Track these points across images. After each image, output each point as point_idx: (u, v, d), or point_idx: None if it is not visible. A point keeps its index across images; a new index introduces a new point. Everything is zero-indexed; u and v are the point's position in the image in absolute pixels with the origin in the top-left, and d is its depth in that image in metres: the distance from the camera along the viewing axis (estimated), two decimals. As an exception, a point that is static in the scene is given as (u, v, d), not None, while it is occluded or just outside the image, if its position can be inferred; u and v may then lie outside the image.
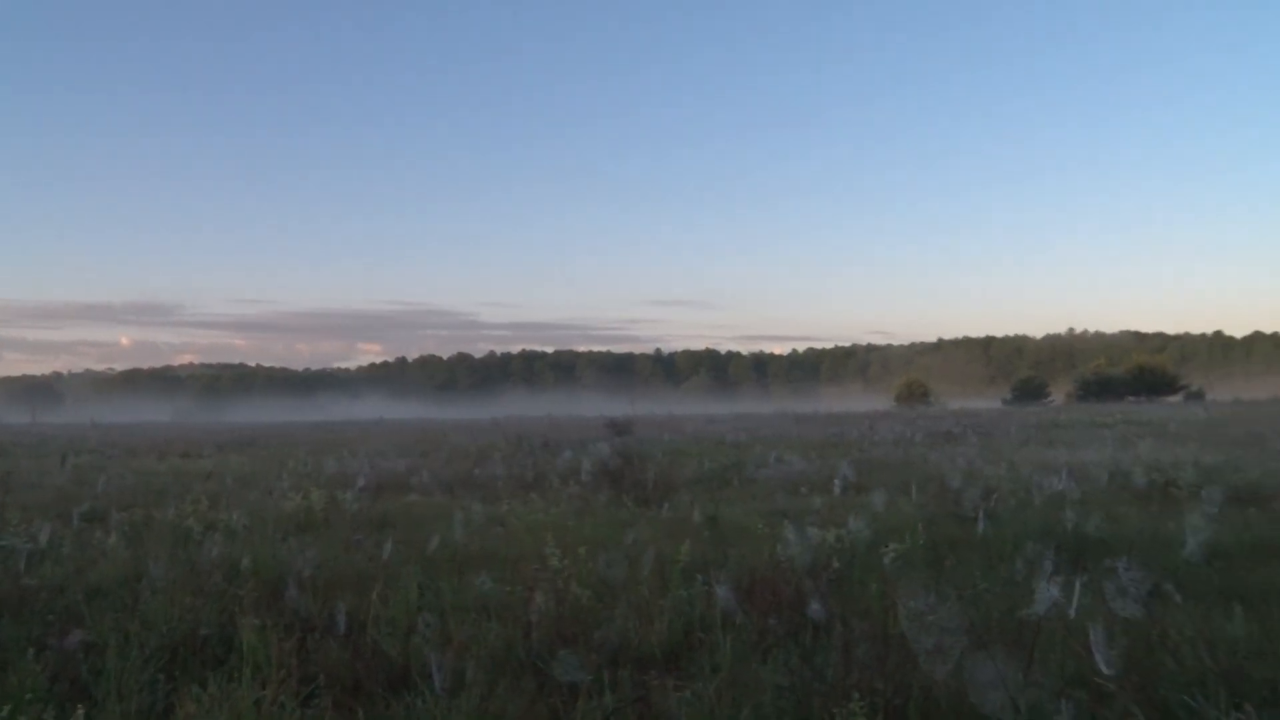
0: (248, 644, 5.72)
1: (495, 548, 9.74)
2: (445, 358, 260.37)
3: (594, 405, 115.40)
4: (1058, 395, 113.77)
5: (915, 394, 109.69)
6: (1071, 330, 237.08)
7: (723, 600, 6.25)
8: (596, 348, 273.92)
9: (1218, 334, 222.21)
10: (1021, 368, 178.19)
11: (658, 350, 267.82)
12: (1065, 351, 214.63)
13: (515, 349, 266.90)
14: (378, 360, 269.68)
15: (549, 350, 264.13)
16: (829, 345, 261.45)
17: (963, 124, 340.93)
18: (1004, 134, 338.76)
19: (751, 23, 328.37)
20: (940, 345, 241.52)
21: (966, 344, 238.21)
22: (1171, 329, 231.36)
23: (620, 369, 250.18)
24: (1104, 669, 4.42)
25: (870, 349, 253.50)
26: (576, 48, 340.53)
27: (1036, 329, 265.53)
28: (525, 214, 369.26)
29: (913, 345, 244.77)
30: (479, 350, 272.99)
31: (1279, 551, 8.55)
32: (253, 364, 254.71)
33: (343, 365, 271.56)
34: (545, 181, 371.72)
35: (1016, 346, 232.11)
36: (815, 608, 5.99)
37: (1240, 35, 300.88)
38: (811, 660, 5.34)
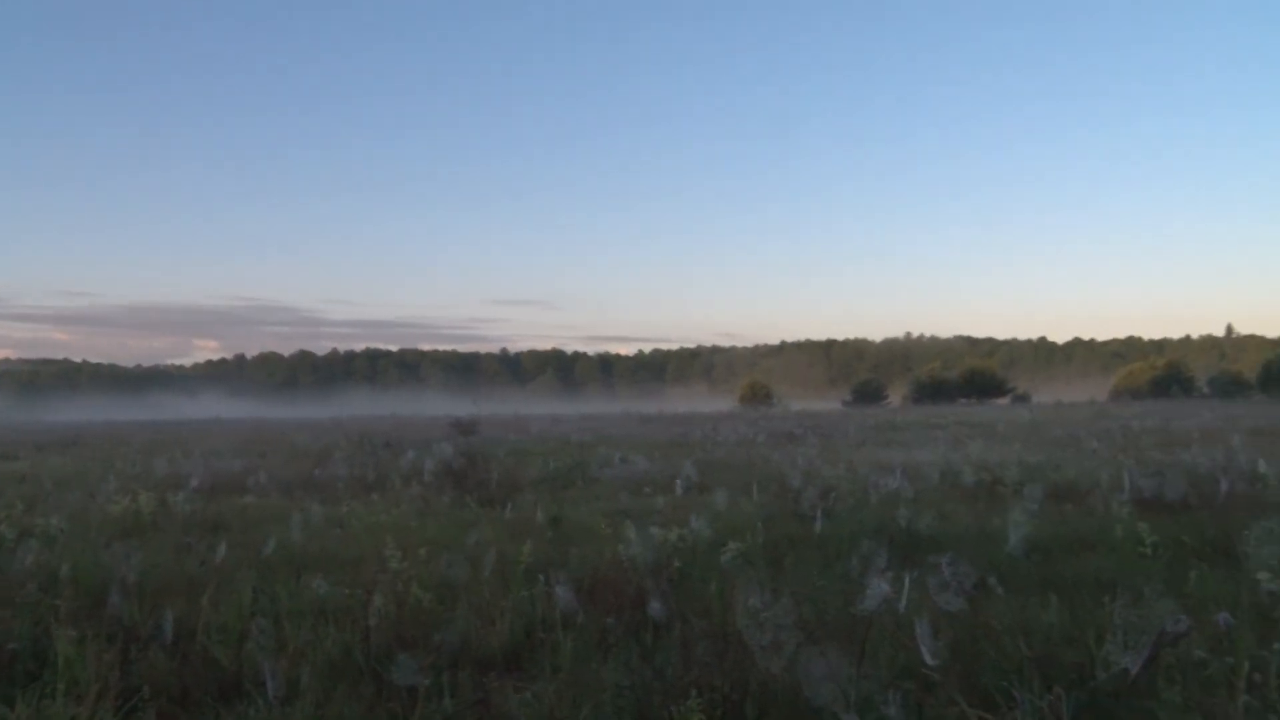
0: (63, 657, 5.40)
1: (335, 550, 9.53)
2: (286, 355, 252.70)
3: (439, 405, 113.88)
4: (895, 397, 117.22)
5: (758, 395, 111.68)
6: (909, 335, 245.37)
7: (564, 600, 6.25)
8: (442, 347, 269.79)
9: (1042, 340, 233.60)
10: (861, 370, 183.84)
11: (504, 350, 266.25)
12: (902, 355, 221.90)
13: (359, 347, 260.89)
14: (215, 358, 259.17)
15: (394, 349, 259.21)
16: (675, 347, 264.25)
17: (805, 128, 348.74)
18: (846, 140, 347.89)
19: (595, 21, 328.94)
20: (783, 348, 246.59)
21: (809, 347, 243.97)
22: (1000, 335, 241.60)
23: (466, 368, 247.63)
24: (929, 660, 4.60)
25: (715, 350, 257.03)
26: (424, 46, 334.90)
27: (876, 333, 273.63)
28: (370, 210, 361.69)
29: (757, 347, 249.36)
30: (321, 348, 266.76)
31: (1091, 544, 9.02)
32: (78, 360, 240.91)
33: (177, 362, 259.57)
34: (391, 178, 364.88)
35: (857, 350, 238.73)
36: (656, 606, 6.04)
37: (1055, 47, 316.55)
38: (652, 659, 5.38)
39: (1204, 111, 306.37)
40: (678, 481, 15.03)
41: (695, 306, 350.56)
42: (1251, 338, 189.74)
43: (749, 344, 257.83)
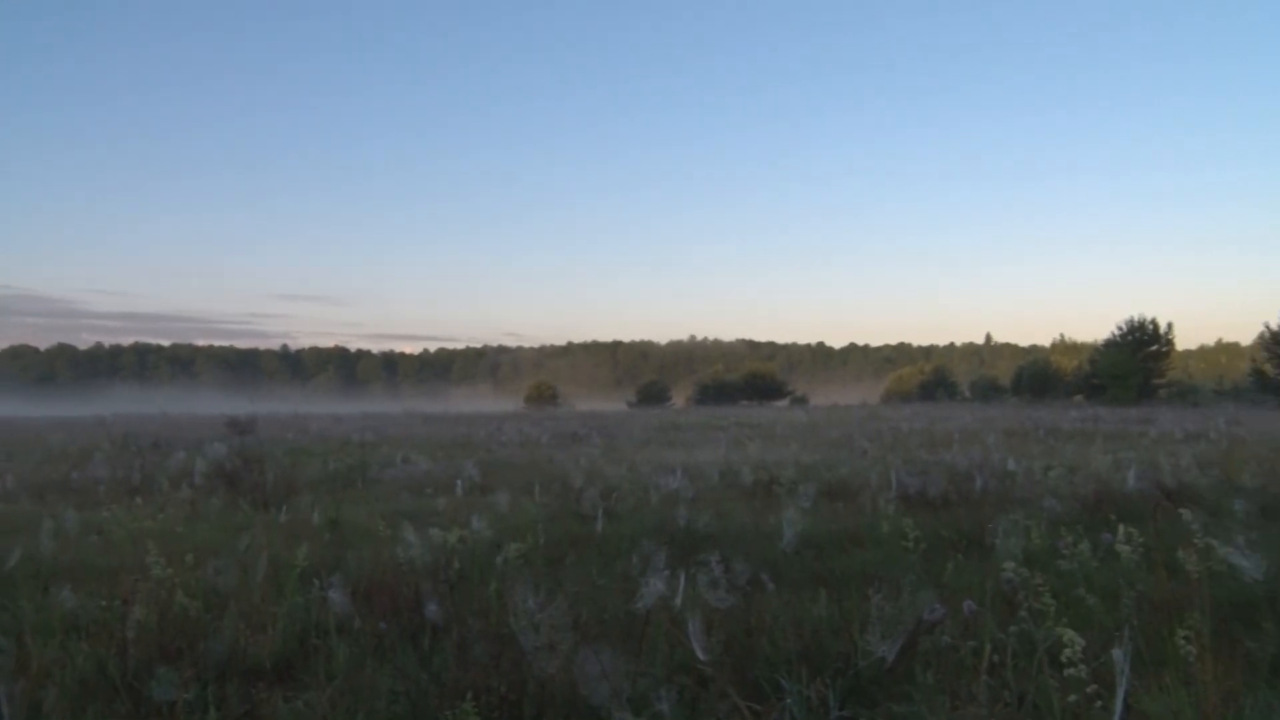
0: None
1: (91, 559, 8.93)
2: (42, 349, 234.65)
3: (214, 404, 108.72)
4: (679, 399, 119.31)
5: (544, 396, 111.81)
6: (693, 337, 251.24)
7: (339, 605, 6.08)
8: (218, 342, 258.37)
9: (820, 344, 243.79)
10: (646, 372, 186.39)
11: (284, 347, 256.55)
12: (686, 357, 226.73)
13: (126, 341, 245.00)
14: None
15: (165, 344, 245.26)
16: (461, 346, 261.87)
17: (592, 130, 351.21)
18: (634, 143, 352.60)
19: (364, 17, 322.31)
20: (570, 349, 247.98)
21: (595, 348, 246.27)
22: (781, 339, 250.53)
23: (244, 365, 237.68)
24: (701, 655, 4.70)
25: (501, 350, 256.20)
26: (206, 35, 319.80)
27: (661, 335, 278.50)
28: (141, 196, 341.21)
29: (543, 348, 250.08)
30: (83, 341, 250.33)
31: (860, 540, 9.42)
32: None
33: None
34: (164, 162, 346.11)
35: (642, 351, 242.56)
36: (433, 609, 5.95)
37: (819, 58, 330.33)
38: (429, 662, 5.30)
39: (968, 127, 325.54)
40: (458, 482, 14.86)
41: (482, 306, 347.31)
42: (1007, 345, 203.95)
43: (535, 344, 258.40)
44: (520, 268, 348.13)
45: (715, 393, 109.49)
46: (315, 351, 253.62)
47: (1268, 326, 72.91)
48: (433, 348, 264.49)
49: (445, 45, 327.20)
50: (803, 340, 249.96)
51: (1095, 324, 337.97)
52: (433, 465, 18.99)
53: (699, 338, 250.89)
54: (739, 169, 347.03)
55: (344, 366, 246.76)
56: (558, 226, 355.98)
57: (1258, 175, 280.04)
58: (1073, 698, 4.16)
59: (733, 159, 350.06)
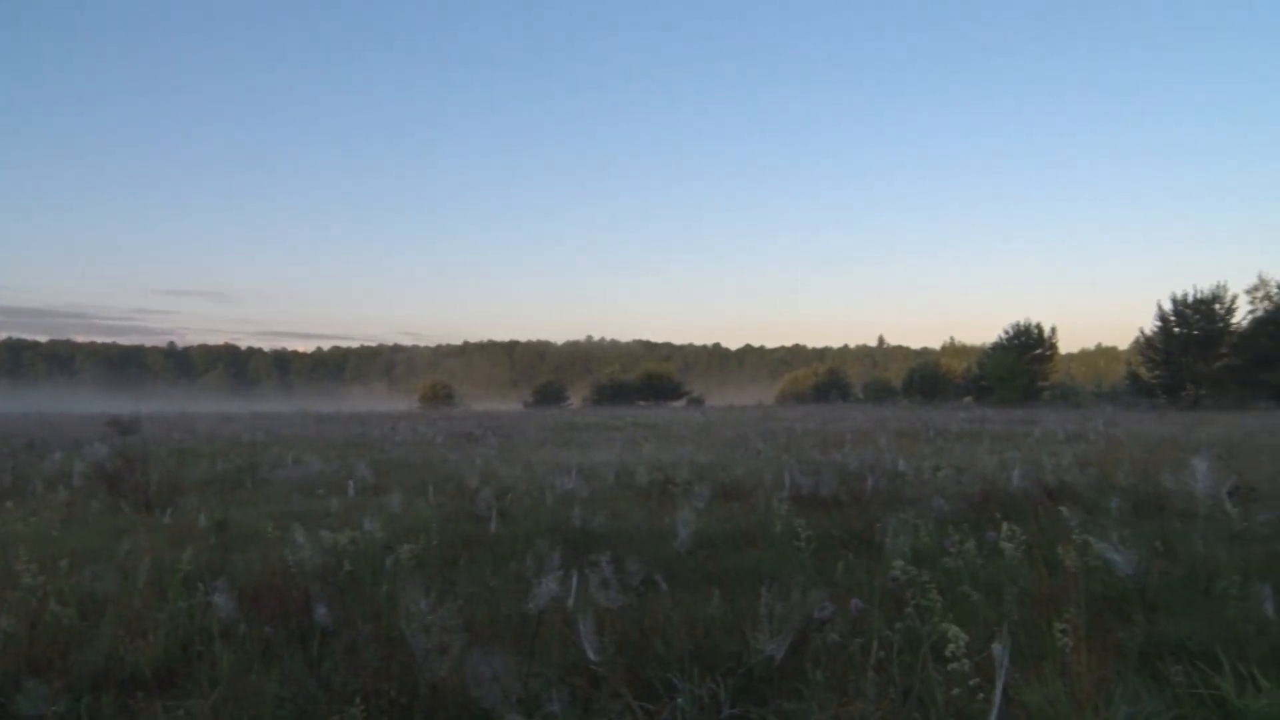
0: None
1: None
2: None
3: (95, 403, 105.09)
4: (575, 399, 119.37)
5: (440, 395, 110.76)
6: (590, 338, 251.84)
7: (224, 609, 5.91)
8: (100, 339, 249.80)
9: (717, 346, 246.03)
10: (543, 372, 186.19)
11: (171, 344, 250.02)
12: (584, 357, 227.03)
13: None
14: None
15: (42, 340, 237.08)
16: (355, 345, 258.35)
17: (484, 126, 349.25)
18: (528, 141, 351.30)
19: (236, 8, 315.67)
20: (466, 348, 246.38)
21: (491, 348, 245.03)
22: (678, 340, 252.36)
23: (127, 363, 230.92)
24: (592, 656, 4.70)
25: (397, 349, 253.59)
26: (82, 19, 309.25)
27: (558, 335, 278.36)
28: (12, 184, 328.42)
29: (439, 347, 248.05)
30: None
31: (753, 540, 9.51)
32: None
33: None
34: (35, 149, 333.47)
35: (539, 351, 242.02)
36: (323, 612, 5.84)
37: (707, 54, 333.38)
38: (318, 667, 5.19)
39: (860, 132, 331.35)
40: (350, 483, 14.62)
41: (378, 304, 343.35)
42: (899, 348, 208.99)
43: (432, 344, 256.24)
44: (417, 266, 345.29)
45: (612, 393, 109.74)
46: (204, 349, 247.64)
47: (1143, 332, 75.97)
48: (326, 346, 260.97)
49: (325, 35, 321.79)
50: (699, 341, 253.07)
51: (983, 328, 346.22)
52: (325, 465, 18.64)
53: (596, 338, 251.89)
54: (635, 169, 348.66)
55: (234, 365, 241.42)
56: (454, 225, 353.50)
57: (1137, 188, 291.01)
58: (956, 691, 4.27)
59: (629, 159, 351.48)
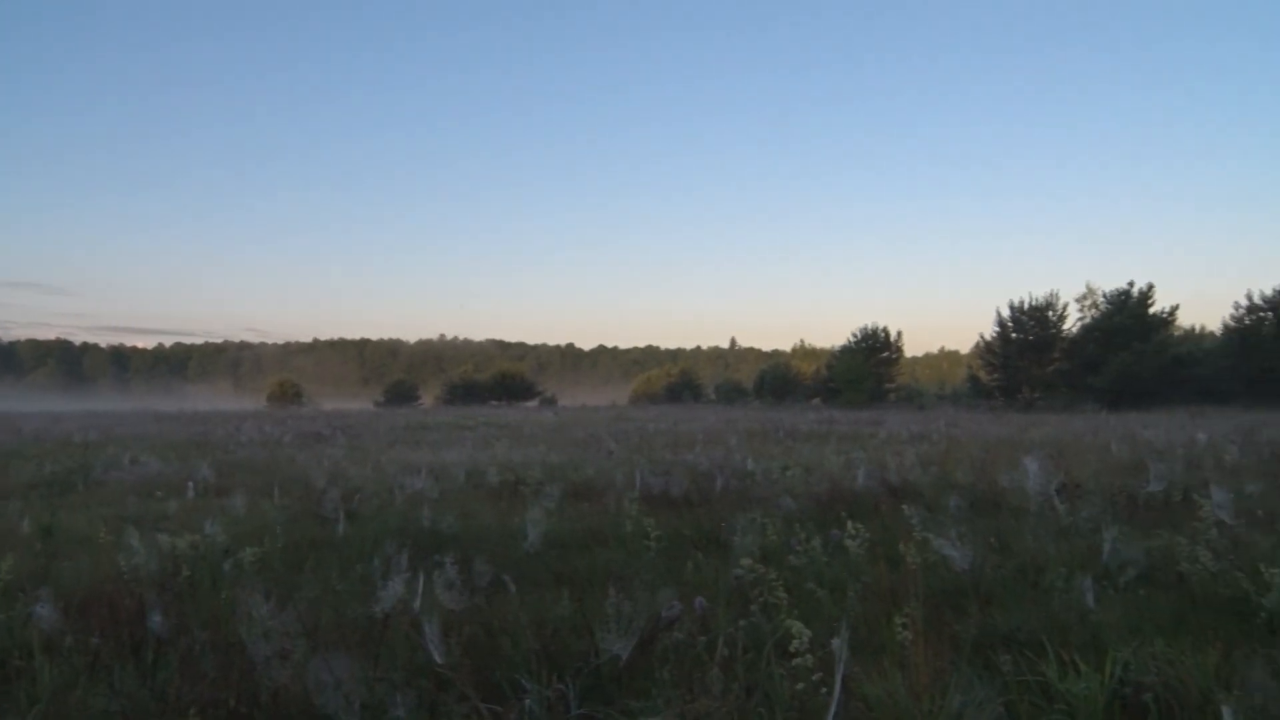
0: None
1: None
2: None
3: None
4: (427, 398, 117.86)
5: (287, 394, 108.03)
6: (443, 336, 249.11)
7: (47, 620, 5.62)
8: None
9: (570, 346, 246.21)
10: (395, 370, 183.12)
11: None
12: (436, 356, 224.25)
13: None
14: None
15: None
16: (199, 341, 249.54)
17: (332, 113, 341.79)
18: (374, 135, 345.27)
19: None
20: (315, 346, 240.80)
21: (342, 345, 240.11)
22: (532, 340, 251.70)
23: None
24: (438, 659, 4.64)
25: (243, 346, 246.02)
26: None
27: (410, 334, 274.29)
28: None
29: (287, 345, 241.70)
30: None
31: (603, 539, 9.54)
32: None
33: None
34: None
35: (391, 350, 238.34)
36: (158, 620, 5.61)
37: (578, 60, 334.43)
38: (152, 678, 4.99)
39: (711, 137, 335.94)
40: (190, 484, 14.11)
41: (223, 300, 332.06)
42: (751, 350, 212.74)
43: (279, 341, 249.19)
44: (265, 261, 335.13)
45: (465, 393, 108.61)
46: (33, 344, 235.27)
47: (983, 337, 79.04)
48: (168, 342, 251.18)
49: (155, 23, 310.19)
50: (553, 342, 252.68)
51: (833, 331, 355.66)
52: (164, 466, 17.97)
53: (449, 337, 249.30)
54: (488, 168, 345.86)
55: (67, 360, 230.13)
56: (305, 220, 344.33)
57: (979, 198, 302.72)
58: (800, 685, 4.36)
59: (480, 157, 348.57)
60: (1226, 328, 68.96)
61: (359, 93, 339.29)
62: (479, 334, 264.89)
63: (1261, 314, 65.61)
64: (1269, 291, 65.67)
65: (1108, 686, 4.63)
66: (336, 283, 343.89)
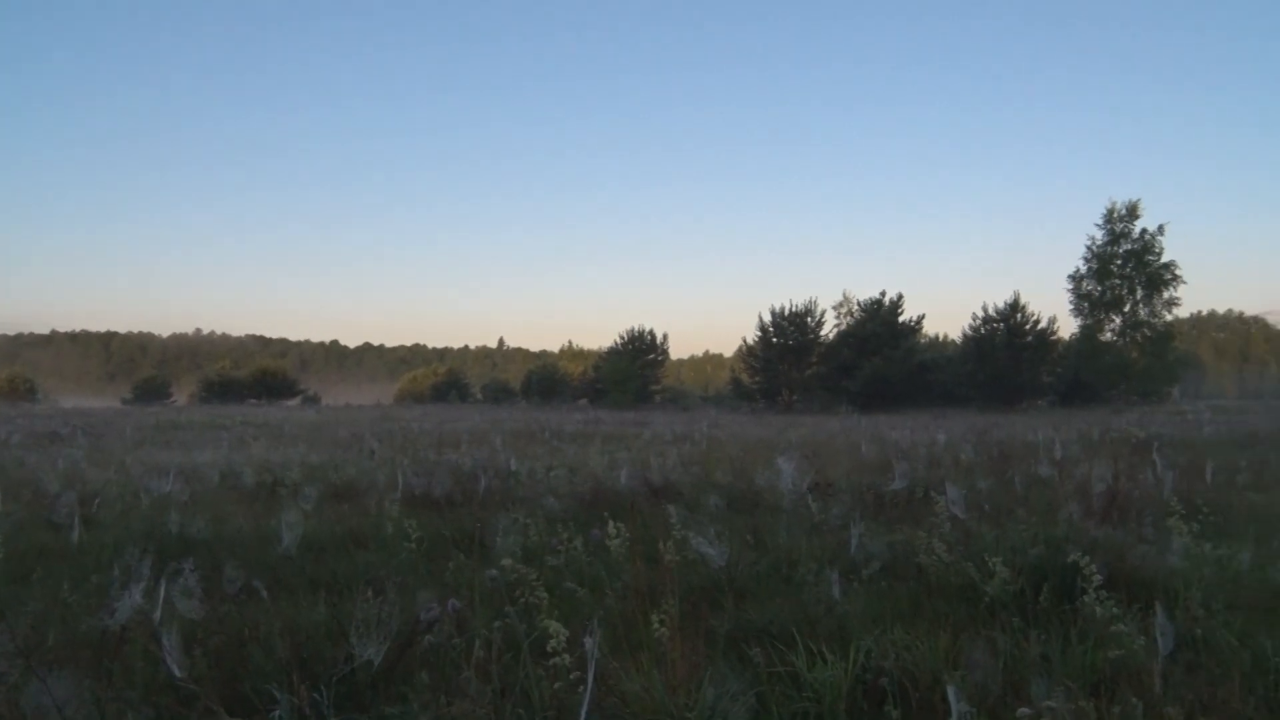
0: None
1: None
2: None
3: None
4: (181, 396, 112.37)
5: (18, 390, 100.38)
6: (199, 330, 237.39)
7: None
8: None
9: (335, 343, 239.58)
10: (145, 366, 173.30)
11: None
12: (191, 352, 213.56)
13: None
14: None
15: None
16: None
17: (73, 95, 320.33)
18: (138, 115, 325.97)
19: None
20: (53, 338, 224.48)
21: (84, 338, 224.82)
22: (294, 336, 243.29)
23: None
24: (177, 672, 4.40)
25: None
26: None
27: (163, 327, 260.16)
28: None
29: (19, 336, 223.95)
30: None
31: (363, 541, 9.34)
32: None
33: None
34: None
35: (140, 344, 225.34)
36: None
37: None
38: None
39: (474, 136, 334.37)
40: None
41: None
42: (519, 350, 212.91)
43: (10, 332, 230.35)
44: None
45: (222, 390, 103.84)
46: None
47: (745, 341, 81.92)
48: None
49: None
50: (317, 338, 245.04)
51: (600, 333, 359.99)
52: None
53: (205, 331, 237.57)
54: (248, 155, 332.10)
55: None
56: (40, 200, 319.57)
57: (743, 207, 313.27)
58: (558, 685, 4.38)
59: (239, 144, 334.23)
60: (965, 336, 74.06)
61: (77, 57, 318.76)
62: (238, 329, 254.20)
63: (995, 324, 70.88)
64: (1001, 304, 71.07)
65: (851, 673, 4.87)
66: (80, 271, 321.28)
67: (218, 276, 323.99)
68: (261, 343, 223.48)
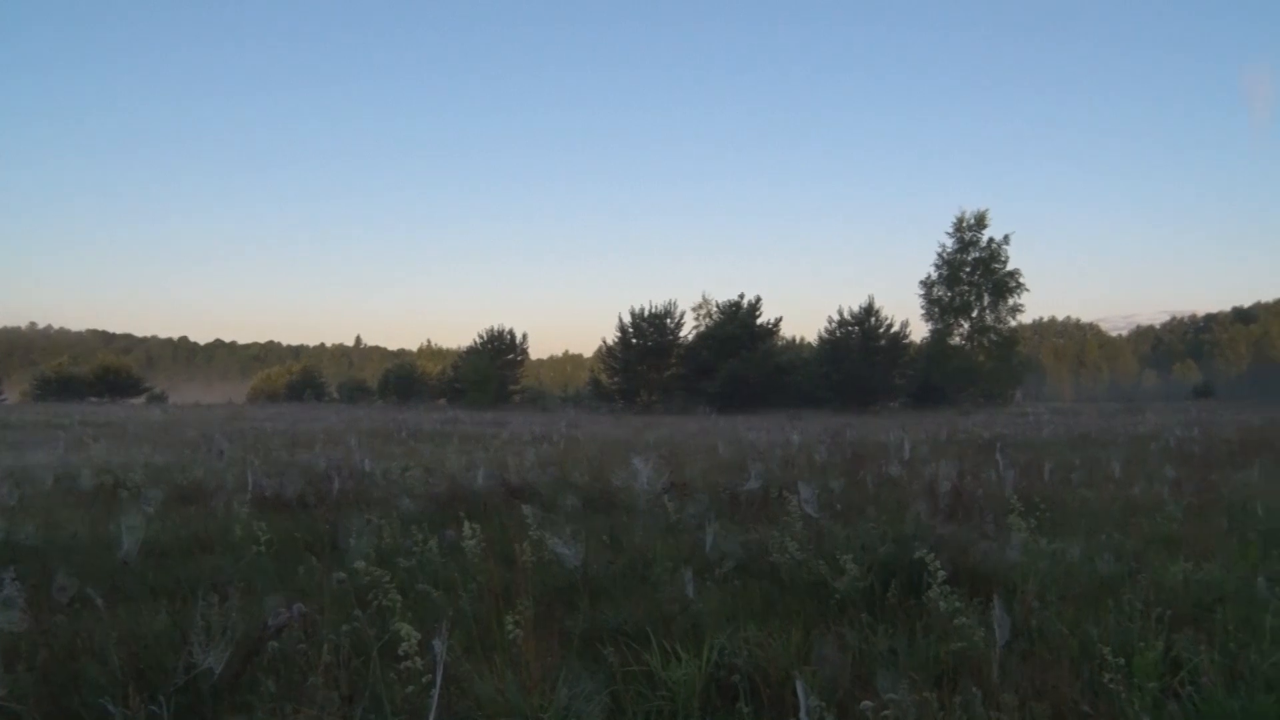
0: None
1: None
2: None
3: None
4: (12, 393, 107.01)
5: None
6: (34, 324, 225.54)
7: None
8: None
9: (183, 339, 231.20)
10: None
11: None
12: (25, 346, 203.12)
13: None
14: None
15: None
16: None
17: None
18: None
19: None
20: None
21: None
22: (140, 332, 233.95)
23: None
24: None
25: None
26: None
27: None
28: None
29: None
30: None
31: (210, 545, 9.06)
32: None
33: None
34: None
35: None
36: None
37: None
38: None
39: (318, 136, 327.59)
40: None
41: None
42: (376, 348, 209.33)
43: None
44: None
45: (59, 387, 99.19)
46: None
47: (605, 342, 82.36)
48: None
49: None
50: (164, 334, 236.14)
51: (459, 332, 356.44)
52: None
53: (41, 325, 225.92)
54: (98, 144, 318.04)
55: None
56: None
57: (604, 207, 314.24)
58: (411, 688, 4.31)
59: (89, 134, 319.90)
60: (821, 339, 75.94)
61: None
62: (78, 323, 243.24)
63: (850, 328, 72.92)
64: (857, 308, 73.09)
65: (705, 671, 4.93)
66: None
67: (55, 268, 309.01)
68: (104, 338, 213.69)
